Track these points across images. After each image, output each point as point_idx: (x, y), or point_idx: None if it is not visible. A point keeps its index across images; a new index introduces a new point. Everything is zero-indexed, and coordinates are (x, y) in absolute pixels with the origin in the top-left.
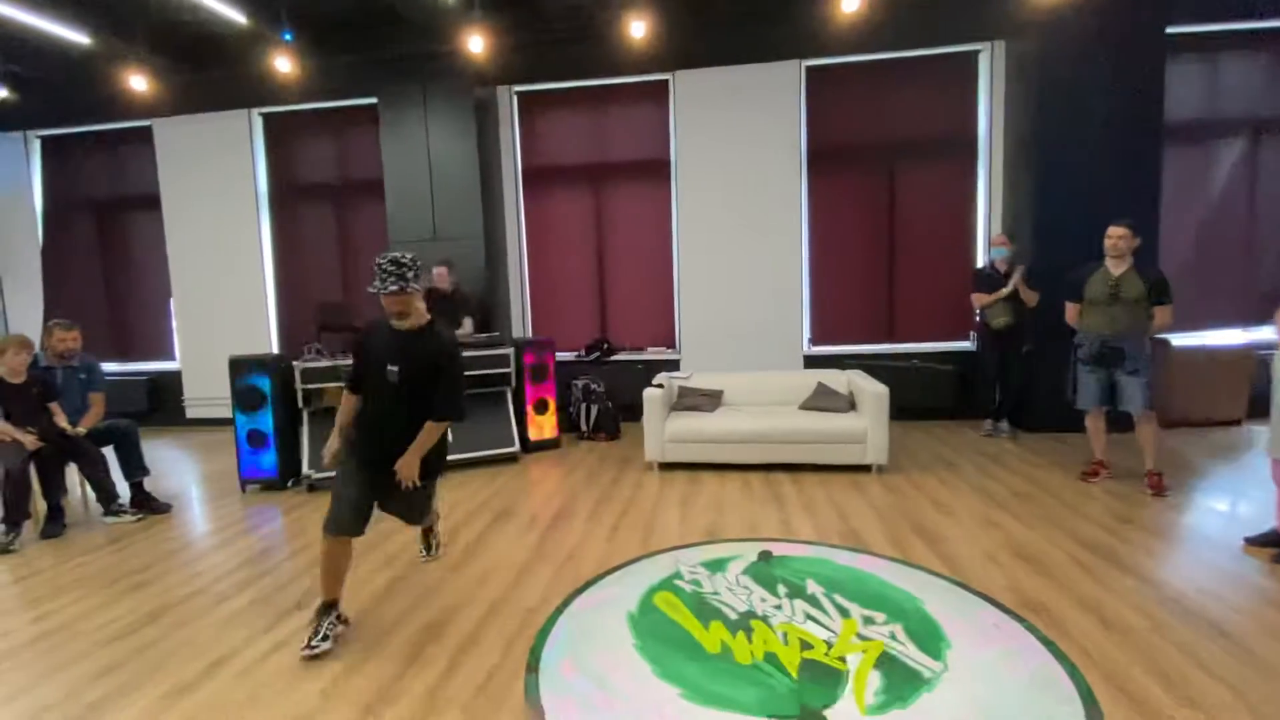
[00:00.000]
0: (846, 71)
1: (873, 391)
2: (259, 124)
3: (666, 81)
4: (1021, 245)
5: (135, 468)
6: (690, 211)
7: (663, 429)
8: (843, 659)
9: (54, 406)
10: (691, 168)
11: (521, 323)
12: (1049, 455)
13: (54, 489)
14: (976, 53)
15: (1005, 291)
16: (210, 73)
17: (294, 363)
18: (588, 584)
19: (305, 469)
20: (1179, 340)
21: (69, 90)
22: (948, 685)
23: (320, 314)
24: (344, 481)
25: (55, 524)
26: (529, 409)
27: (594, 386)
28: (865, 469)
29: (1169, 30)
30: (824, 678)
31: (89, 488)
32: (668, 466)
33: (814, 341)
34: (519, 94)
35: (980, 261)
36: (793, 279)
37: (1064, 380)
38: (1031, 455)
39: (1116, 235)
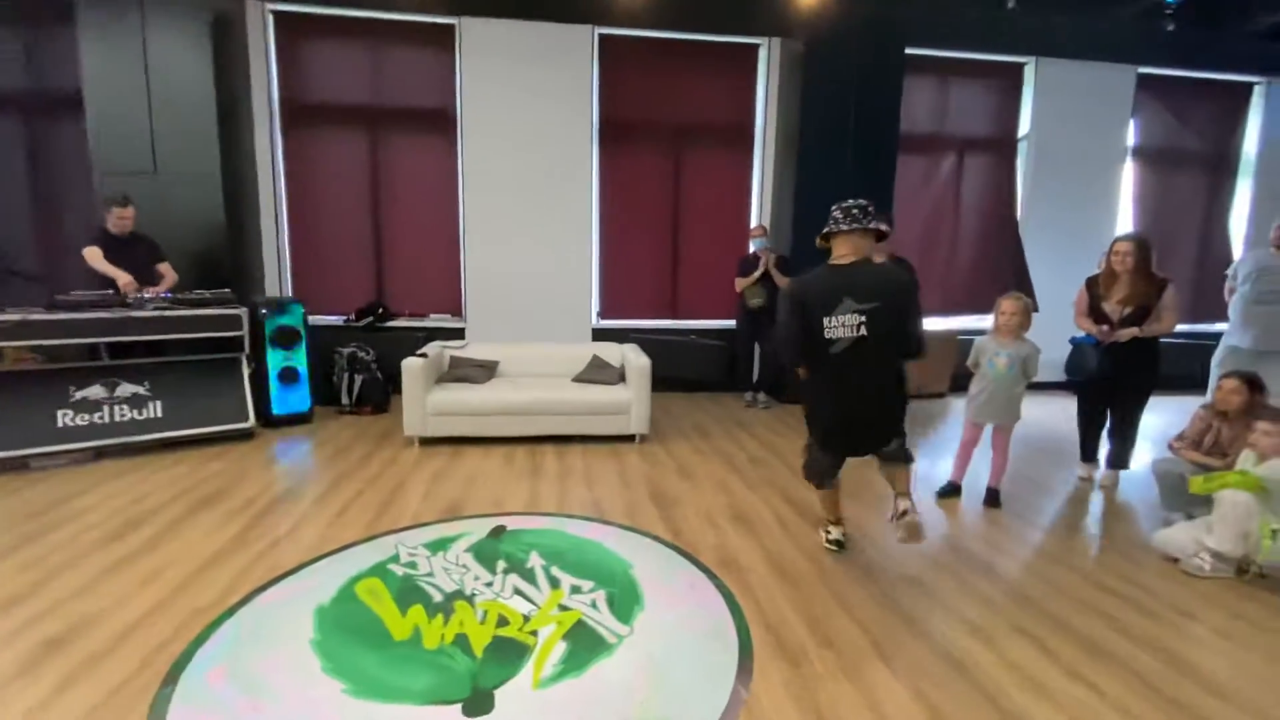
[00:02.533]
0: (639, 45)
1: (638, 364)
2: None
3: (453, 26)
4: (782, 234)
5: None
6: (477, 170)
7: (424, 401)
8: (535, 633)
9: None
10: (479, 123)
11: (279, 280)
12: (795, 424)
13: None
14: (757, 46)
15: (757, 275)
16: None
17: None
18: (282, 576)
19: None
20: None
21: None
22: (626, 649)
23: None
24: None
25: None
26: (273, 379)
27: (362, 354)
28: (630, 439)
29: (908, 50)
30: (508, 654)
31: None
32: (430, 441)
33: (602, 315)
34: (276, 14)
35: (752, 248)
36: (583, 250)
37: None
38: (778, 424)
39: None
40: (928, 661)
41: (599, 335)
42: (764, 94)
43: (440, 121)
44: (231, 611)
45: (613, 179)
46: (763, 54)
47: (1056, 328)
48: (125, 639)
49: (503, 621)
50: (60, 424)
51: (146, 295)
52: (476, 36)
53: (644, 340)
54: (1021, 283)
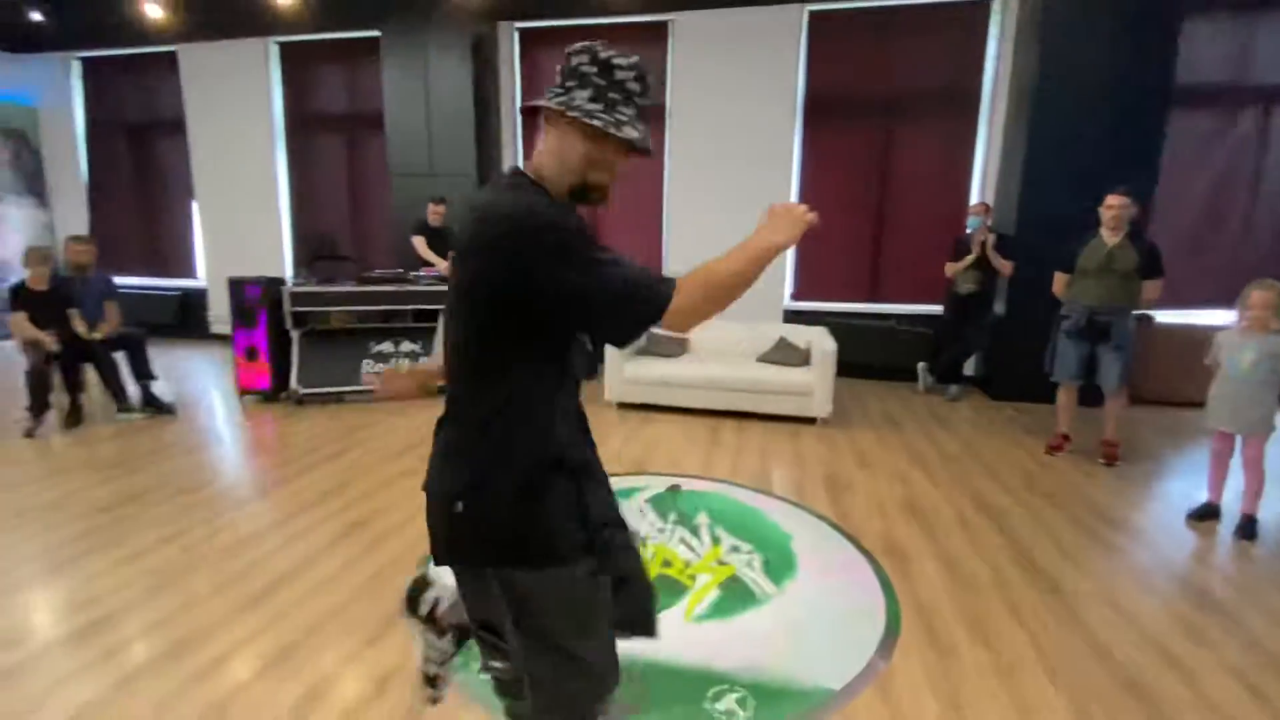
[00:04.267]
0: (851, 18)
1: (823, 348)
2: (275, 52)
3: (667, 24)
4: (1007, 210)
5: (143, 372)
6: (681, 158)
7: (622, 370)
8: (693, 577)
9: (72, 313)
10: (685, 113)
11: None
12: (1000, 423)
13: (73, 386)
14: (989, 1)
15: (970, 259)
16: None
17: (282, 286)
18: None
19: (293, 384)
20: (1164, 317)
21: (101, 13)
22: (773, 607)
23: (312, 243)
24: (594, 593)
25: (74, 416)
26: None
27: None
28: (810, 421)
29: None
30: (669, 590)
31: (105, 387)
32: (626, 406)
33: (795, 296)
34: (521, 30)
35: (970, 227)
36: None
37: (1040, 350)
38: (982, 421)
39: (1116, 204)
40: (1103, 683)
41: (790, 317)
42: (994, 54)
43: (651, 114)
44: None
45: (815, 157)
46: (995, 7)
47: None
48: (399, 529)
49: (667, 563)
50: (365, 370)
51: (421, 273)
52: (688, 29)
53: (839, 324)
54: None
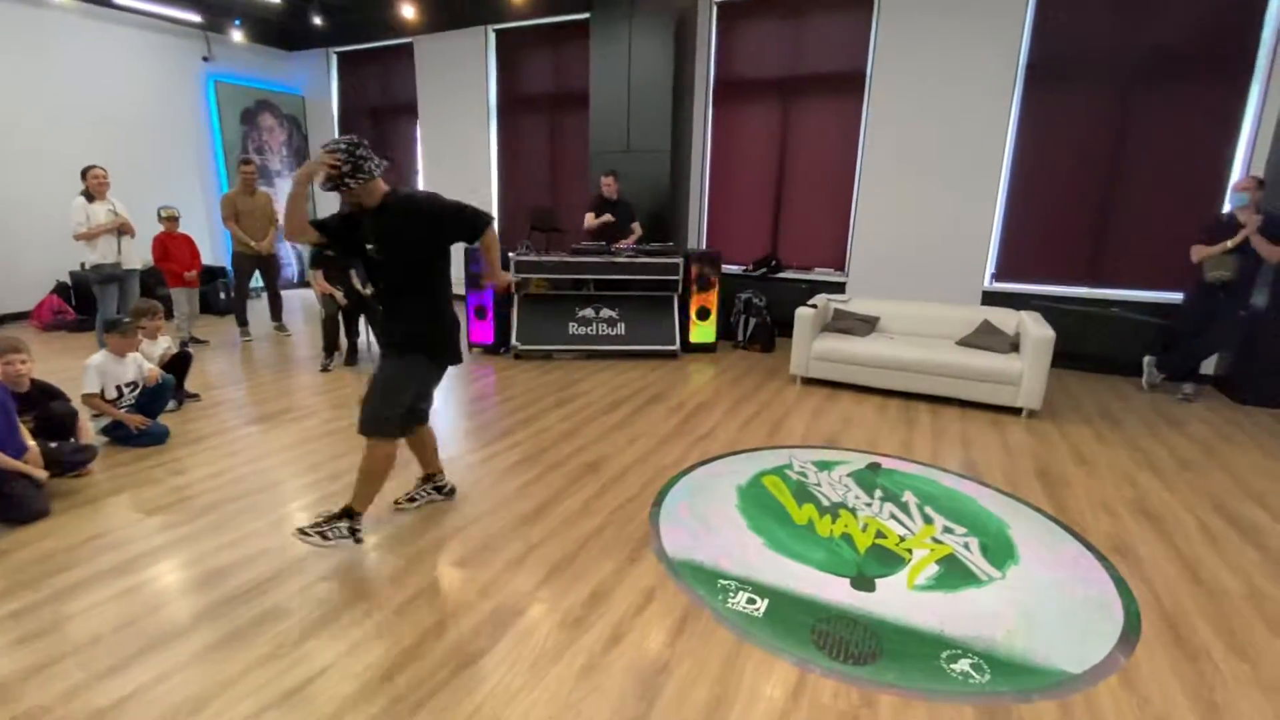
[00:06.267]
0: None
1: (1038, 335)
2: (493, 39)
3: None
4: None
5: None
6: (880, 129)
7: (809, 346)
8: (910, 551)
9: (353, 273)
10: (887, 81)
11: (697, 234)
12: (1249, 430)
13: (353, 332)
14: None
15: (1230, 243)
16: None
17: (509, 254)
18: (711, 458)
19: (513, 340)
20: None
21: (358, 13)
22: (997, 589)
23: (532, 216)
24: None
25: (353, 356)
26: (692, 314)
27: (756, 300)
28: (1014, 411)
29: None
30: (886, 559)
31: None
32: (810, 382)
33: (997, 277)
34: (719, 5)
35: (1229, 205)
36: (984, 207)
37: None
38: (1226, 427)
39: None
40: None
41: (988, 299)
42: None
43: (848, 83)
44: (683, 474)
45: (1035, 124)
46: None
47: None
48: (627, 473)
49: (881, 535)
50: (570, 332)
51: (622, 245)
52: None
53: (1045, 308)
54: None
